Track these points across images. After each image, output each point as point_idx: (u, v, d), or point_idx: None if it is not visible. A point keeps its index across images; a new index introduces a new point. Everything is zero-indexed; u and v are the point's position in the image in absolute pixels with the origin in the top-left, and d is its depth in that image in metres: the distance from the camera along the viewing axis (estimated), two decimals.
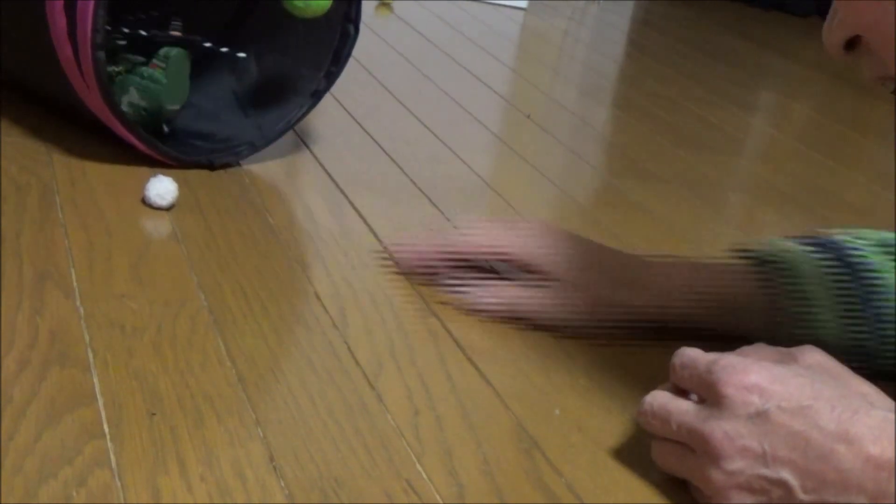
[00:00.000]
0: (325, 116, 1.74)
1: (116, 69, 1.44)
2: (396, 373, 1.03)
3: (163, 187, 1.27)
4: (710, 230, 1.61)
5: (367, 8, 2.64)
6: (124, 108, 1.42)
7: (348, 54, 1.49)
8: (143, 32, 1.43)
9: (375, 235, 1.33)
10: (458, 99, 2.00)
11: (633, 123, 2.12)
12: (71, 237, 1.16)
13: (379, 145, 1.67)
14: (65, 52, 1.29)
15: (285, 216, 1.33)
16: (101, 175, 1.33)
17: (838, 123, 2.57)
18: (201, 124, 1.52)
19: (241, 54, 1.47)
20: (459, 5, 2.93)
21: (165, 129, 1.46)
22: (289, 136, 1.61)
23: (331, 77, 1.50)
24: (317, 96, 1.50)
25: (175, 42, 1.45)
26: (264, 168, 1.48)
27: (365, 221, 1.37)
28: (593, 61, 2.63)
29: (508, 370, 1.08)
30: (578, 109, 2.14)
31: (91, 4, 1.25)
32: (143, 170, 1.36)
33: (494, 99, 2.08)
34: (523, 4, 3.07)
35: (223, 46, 1.47)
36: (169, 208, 1.28)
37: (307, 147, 1.60)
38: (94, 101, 1.32)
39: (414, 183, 1.54)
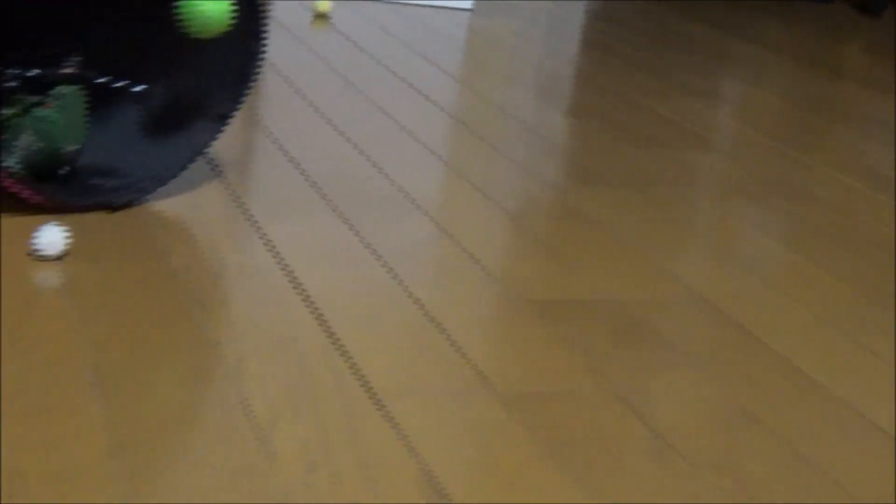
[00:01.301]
0: (242, 141, 1.69)
1: (9, 112, 1.38)
2: (293, 425, 0.97)
3: (51, 236, 1.22)
4: (656, 233, 1.56)
5: (303, 19, 2.59)
6: (19, 151, 1.37)
7: (256, 73, 1.44)
8: (31, 72, 1.38)
9: (285, 269, 1.28)
10: (394, 113, 1.95)
11: (585, 126, 2.07)
12: None
13: (299, 169, 1.62)
14: None
15: (189, 256, 1.28)
16: None
17: (804, 110, 2.53)
18: (103, 161, 1.46)
19: (138, 87, 1.42)
20: (400, 10, 2.88)
21: (63, 171, 1.40)
22: (199, 166, 1.56)
23: (238, 98, 1.44)
24: (223, 120, 1.45)
25: (68, 79, 1.39)
26: (171, 203, 1.42)
27: (276, 254, 1.31)
28: (546, 63, 2.58)
29: (421, 409, 1.02)
30: (529, 116, 2.09)
31: None
32: (33, 219, 1.31)
33: (434, 111, 2.03)
34: (468, 5, 3.02)
35: (123, 78, 1.42)
36: (60, 258, 1.23)
37: (219, 176, 1.55)
38: None
39: (335, 209, 1.48)
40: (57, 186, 1.38)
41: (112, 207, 1.37)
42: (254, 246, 1.33)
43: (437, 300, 1.26)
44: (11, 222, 1.30)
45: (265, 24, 1.43)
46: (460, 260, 1.38)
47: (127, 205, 1.39)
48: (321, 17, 2.67)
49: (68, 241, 1.23)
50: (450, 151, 1.80)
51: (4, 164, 1.37)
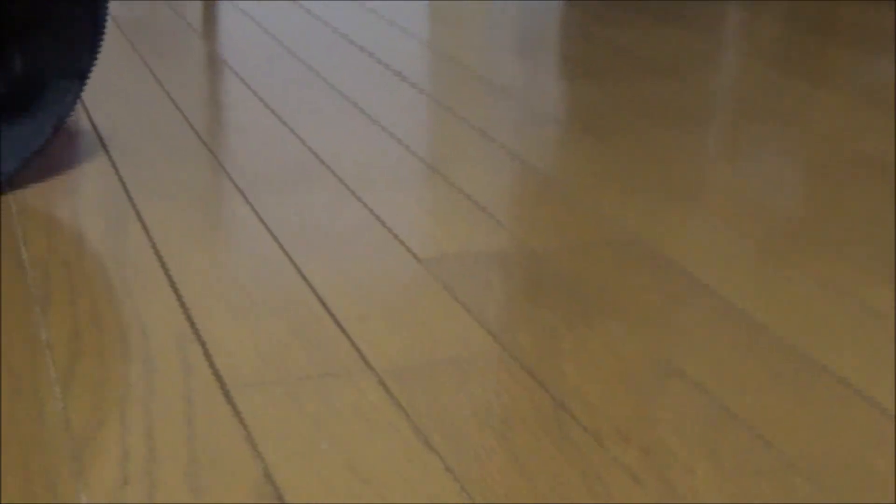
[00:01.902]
0: (140, 111, 1.54)
1: None
2: (118, 430, 0.83)
3: None
4: (599, 174, 1.40)
5: None
6: None
7: (105, 17, 1.30)
8: None
9: (156, 252, 1.13)
10: (326, 72, 1.79)
11: (582, 77, 1.91)
12: None
13: (204, 142, 1.47)
14: None
15: (45, 246, 1.14)
16: None
17: (808, 33, 2.34)
18: None
19: None
20: None
21: None
22: (87, 141, 1.42)
23: (94, 50, 1.31)
24: (83, 76, 1.31)
25: None
26: (43, 187, 1.28)
27: (149, 237, 1.17)
28: (526, 18, 2.41)
29: (274, 400, 0.88)
30: (509, 79, 1.93)
31: None
32: None
33: (398, 87, 1.88)
34: None
35: None
36: None
37: (107, 152, 1.41)
38: None
39: (233, 189, 1.34)
40: None
41: None
42: (128, 230, 1.19)
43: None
44: None
45: None
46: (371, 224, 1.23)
47: None
48: None
49: None
50: (424, 133, 1.65)
51: None
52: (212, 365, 0.92)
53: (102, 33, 1.31)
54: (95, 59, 1.32)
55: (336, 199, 1.30)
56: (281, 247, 1.16)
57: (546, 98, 1.72)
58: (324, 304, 1.03)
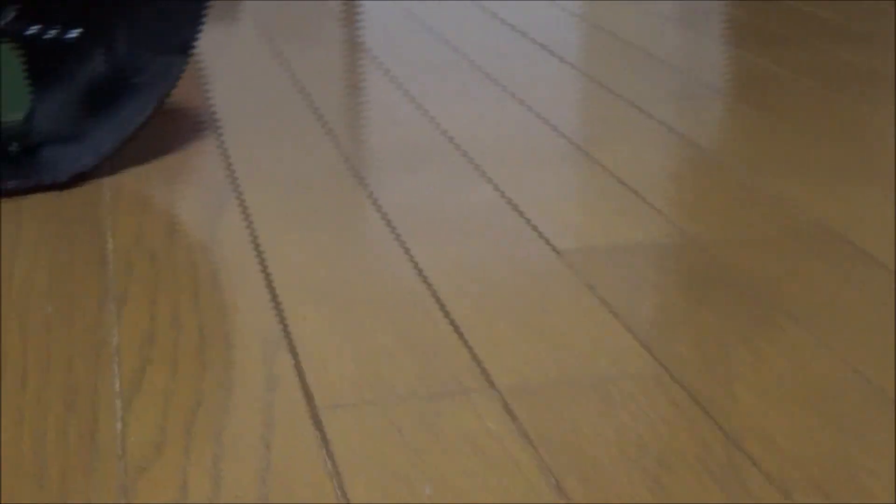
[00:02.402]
0: (261, 92, 1.39)
1: None
2: (179, 459, 0.67)
3: None
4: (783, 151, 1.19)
5: None
6: None
7: None
8: None
9: (254, 243, 0.98)
10: (467, 48, 1.61)
11: (754, 48, 1.71)
12: None
13: (327, 126, 1.31)
14: None
15: (133, 235, 0.99)
16: None
17: None
18: (52, 131, 1.19)
19: (73, 33, 1.13)
20: None
21: (13, 147, 1.13)
22: (197, 121, 1.27)
23: (198, 20, 1.16)
24: (187, 49, 1.16)
25: None
26: (141, 170, 1.14)
27: (248, 226, 1.01)
28: None
29: (370, 426, 0.71)
30: (671, 50, 1.73)
31: None
32: None
33: (547, 63, 1.69)
34: None
35: (54, 28, 1.14)
36: None
37: (217, 133, 1.26)
38: None
39: (353, 169, 1.17)
40: (3, 171, 1.11)
41: (59, 185, 1.10)
42: (224, 220, 1.03)
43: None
44: None
45: None
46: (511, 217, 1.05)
47: (81, 178, 1.11)
48: None
49: None
50: (573, 111, 1.47)
51: None
52: (301, 379, 0.76)
53: (206, 5, 1.17)
54: (199, 32, 1.17)
55: (464, 181, 1.12)
56: (397, 236, 0.99)
57: (712, 69, 1.51)
58: (441, 306, 0.86)
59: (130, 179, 1.12)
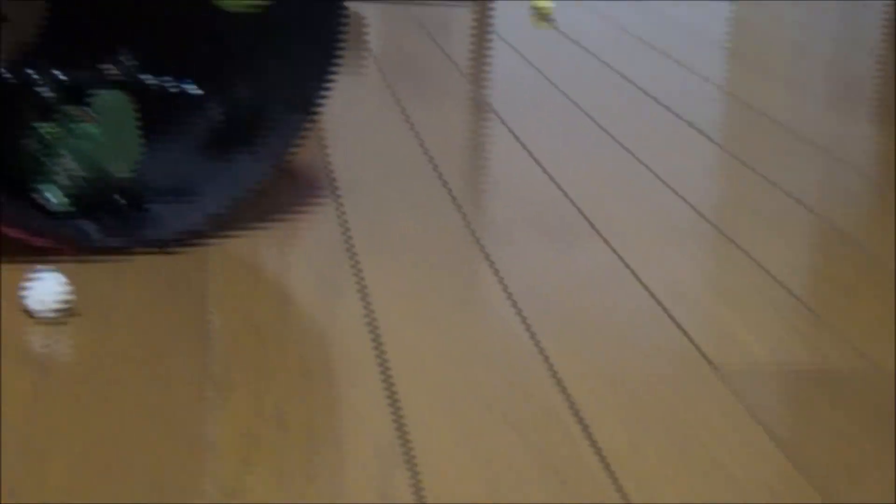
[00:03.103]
0: (384, 153, 1.31)
1: (48, 129, 1.05)
2: None
3: (43, 289, 0.87)
4: None
5: (521, 19, 2.20)
6: (61, 179, 1.04)
7: (341, 44, 1.08)
8: (62, 76, 1.04)
9: (371, 325, 0.88)
10: (635, 142, 1.50)
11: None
12: None
13: (449, 190, 1.22)
14: None
15: (239, 310, 0.90)
16: None
17: None
18: (161, 186, 1.12)
19: (194, 88, 1.06)
20: (640, 6, 2.44)
21: (120, 201, 1.06)
22: (315, 183, 1.19)
23: (326, 79, 1.08)
24: (311, 108, 1.08)
25: (111, 83, 1.05)
26: (253, 234, 1.05)
27: (365, 305, 0.92)
28: (840, 60, 2.06)
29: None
30: (821, 132, 1.61)
31: None
32: (66, 265, 0.97)
33: (691, 135, 1.59)
34: None
35: (177, 82, 1.06)
36: (57, 316, 0.87)
37: (336, 197, 1.17)
38: None
39: (479, 244, 1.08)
40: (106, 224, 1.04)
41: (163, 245, 1.02)
42: (340, 297, 0.94)
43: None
44: (23, 268, 0.95)
45: None
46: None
47: (188, 239, 1.03)
48: (542, 16, 2.27)
49: (63, 294, 0.87)
50: (716, 194, 1.36)
51: (42, 201, 1.04)
52: (419, 499, 0.66)
53: (336, 64, 1.09)
54: (326, 91, 1.09)
55: (602, 267, 1.02)
56: (527, 328, 0.89)
57: (863, 153, 1.39)
58: (580, 421, 0.75)
59: (241, 243, 1.04)
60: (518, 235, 1.09)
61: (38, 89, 1.03)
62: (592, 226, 1.13)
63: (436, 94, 1.65)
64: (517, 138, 1.42)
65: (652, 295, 0.97)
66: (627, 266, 1.03)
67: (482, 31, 2.18)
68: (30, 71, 1.03)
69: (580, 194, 1.22)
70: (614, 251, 1.06)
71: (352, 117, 1.48)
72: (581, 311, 0.93)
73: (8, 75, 1.04)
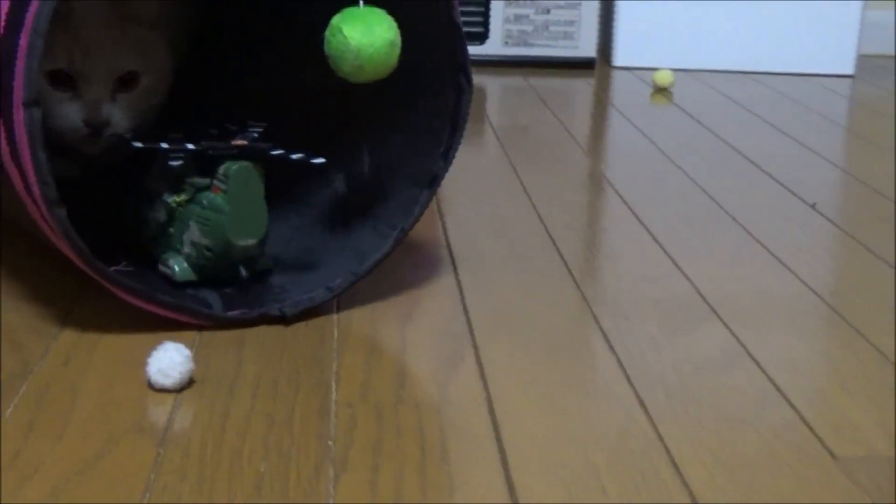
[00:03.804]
0: (502, 228, 1.31)
1: (176, 199, 1.08)
2: None
3: (167, 361, 0.88)
4: None
5: (639, 93, 2.19)
6: (186, 249, 1.06)
7: (465, 117, 1.08)
8: (191, 146, 1.06)
9: (489, 407, 0.88)
10: (753, 224, 1.47)
11: None
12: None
13: (566, 266, 1.21)
14: (31, 208, 0.96)
15: (360, 386, 0.91)
16: (114, 348, 0.96)
17: None
18: (285, 256, 1.13)
19: (318, 160, 1.07)
20: (759, 81, 2.42)
21: (243, 272, 1.07)
22: (434, 257, 1.19)
23: (449, 153, 1.08)
24: (434, 183, 1.09)
25: (238, 154, 1.07)
26: (373, 309, 1.06)
27: (484, 385, 0.92)
28: None
29: None
30: None
31: (26, 150, 0.90)
32: (187, 335, 0.99)
33: (812, 219, 1.56)
34: (849, 70, 2.51)
35: (301, 152, 1.08)
36: (179, 388, 0.89)
37: (455, 272, 1.17)
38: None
39: (599, 326, 1.07)
40: (229, 295, 1.05)
41: (285, 319, 1.03)
42: (459, 377, 0.94)
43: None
44: (147, 340, 0.96)
45: (465, 52, 1.07)
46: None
47: (307, 314, 1.04)
48: (661, 90, 2.26)
49: (186, 365, 0.89)
50: (834, 275, 1.34)
51: (167, 271, 1.06)
52: None
53: (460, 138, 1.09)
54: (448, 166, 1.10)
55: (719, 348, 1.00)
56: (644, 409, 0.88)
57: None
58: None
59: (361, 318, 1.05)
60: (635, 313, 1.08)
61: (170, 161, 1.05)
62: (709, 305, 1.11)
63: (553, 165, 1.65)
64: (634, 213, 1.41)
65: (769, 378, 0.95)
66: (744, 347, 1.01)
67: (601, 102, 2.18)
68: (163, 144, 1.05)
69: (696, 272, 1.20)
70: (731, 332, 1.05)
71: (469, 189, 1.49)
72: (698, 393, 0.92)
73: (139, 145, 1.07)
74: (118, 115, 1.11)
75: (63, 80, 1.08)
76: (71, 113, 1.09)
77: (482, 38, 2.38)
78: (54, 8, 0.91)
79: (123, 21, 1.11)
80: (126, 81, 1.11)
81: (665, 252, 1.27)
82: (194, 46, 1.31)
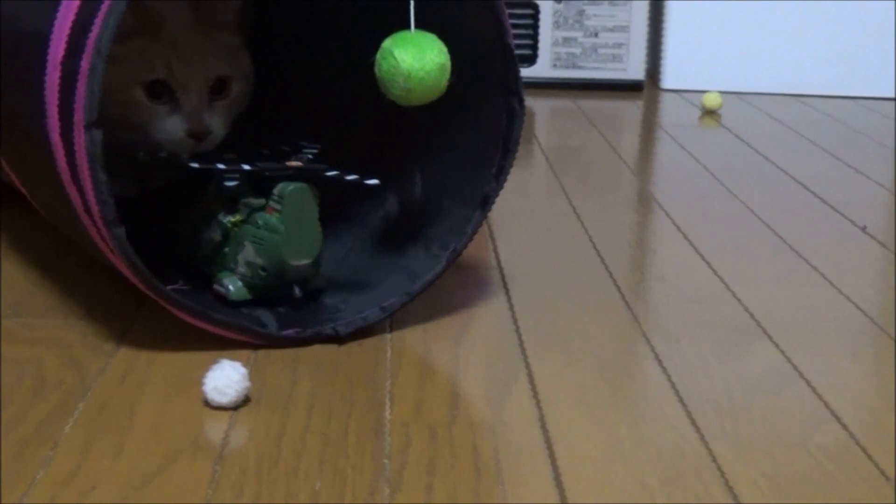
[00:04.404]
0: (552, 249, 1.31)
1: (231, 219, 1.08)
2: None
3: (223, 379, 0.89)
4: None
5: (687, 115, 2.19)
6: (241, 269, 1.06)
7: (517, 139, 1.08)
8: (247, 166, 1.07)
9: (542, 428, 0.87)
10: (808, 250, 1.46)
11: None
12: (55, 461, 0.79)
13: (617, 287, 1.21)
14: (90, 227, 0.97)
15: (413, 404, 0.91)
16: (170, 365, 0.97)
17: None
18: (338, 276, 1.13)
19: (372, 181, 1.07)
20: (811, 104, 2.40)
21: (297, 291, 1.07)
22: (485, 278, 1.19)
23: (501, 174, 1.08)
24: (487, 204, 1.09)
25: (293, 175, 1.07)
26: (426, 329, 1.06)
27: (537, 405, 0.91)
28: None
29: None
30: None
31: (86, 171, 0.91)
32: (242, 354, 0.99)
33: (867, 246, 1.55)
34: (891, 93, 2.48)
35: (356, 173, 1.08)
36: (235, 406, 0.89)
37: (507, 293, 1.17)
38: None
39: (651, 346, 1.06)
40: (284, 316, 1.06)
41: (339, 338, 1.03)
42: (511, 397, 0.94)
43: None
44: (203, 358, 0.97)
45: (517, 74, 1.07)
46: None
47: (360, 333, 1.04)
48: (710, 112, 2.25)
49: (242, 384, 0.89)
50: (886, 297, 1.33)
51: (222, 290, 1.07)
52: None
53: (512, 160, 1.09)
54: (502, 186, 1.09)
55: (771, 370, 0.99)
56: (697, 429, 0.87)
57: None
58: None
59: (414, 338, 1.05)
60: (685, 334, 1.08)
61: (225, 181, 1.06)
62: (760, 326, 1.10)
63: (602, 187, 1.65)
64: (683, 234, 1.40)
65: (821, 399, 0.94)
66: (795, 369, 1.00)
67: (649, 124, 2.17)
68: (220, 164, 1.06)
69: (747, 293, 1.19)
70: (782, 353, 1.04)
71: (520, 210, 1.49)
72: (750, 414, 0.91)
73: (196, 165, 1.07)
74: (217, 123, 1.11)
75: (160, 91, 1.08)
76: (173, 126, 1.09)
77: (531, 60, 2.38)
78: (142, 18, 0.92)
79: (207, 26, 1.10)
80: (218, 89, 1.11)
81: (715, 273, 1.26)
82: None
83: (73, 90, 0.93)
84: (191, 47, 1.08)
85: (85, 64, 0.92)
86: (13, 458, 0.80)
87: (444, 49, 1.03)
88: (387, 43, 1.03)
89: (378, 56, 1.03)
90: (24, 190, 1.15)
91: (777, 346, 1.06)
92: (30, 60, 1.00)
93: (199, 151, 1.12)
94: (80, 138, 0.92)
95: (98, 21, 0.92)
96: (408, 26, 1.03)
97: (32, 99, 0.99)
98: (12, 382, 0.92)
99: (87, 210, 0.95)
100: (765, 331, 1.09)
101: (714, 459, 0.83)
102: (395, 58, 1.02)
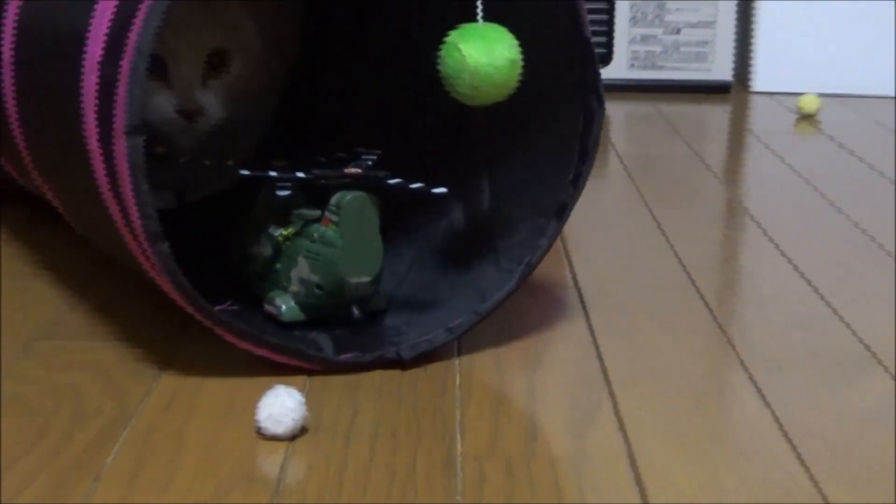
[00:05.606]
0: (635, 266, 1.31)
1: (283, 233, 1.10)
2: None
3: (279, 407, 0.90)
4: None
5: (782, 121, 2.18)
6: (294, 287, 1.08)
7: (596, 142, 1.08)
8: (301, 174, 1.08)
9: (631, 462, 0.88)
10: (875, 233, 1.47)
11: None
12: (98, 494, 0.80)
13: (708, 308, 1.21)
14: (130, 243, 0.99)
15: (487, 436, 0.91)
16: (219, 392, 0.98)
17: None
18: (400, 294, 1.14)
19: (440, 190, 1.08)
20: None
21: (356, 312, 1.08)
22: (562, 297, 1.20)
23: (579, 180, 1.09)
24: (563, 213, 1.09)
25: (351, 183, 1.08)
26: (499, 352, 1.07)
27: (623, 437, 0.91)
28: None
29: None
30: None
31: (127, 181, 0.93)
32: (297, 379, 1.00)
33: None
34: None
35: (419, 181, 1.09)
36: (292, 437, 0.90)
37: (586, 314, 1.17)
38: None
39: (748, 373, 1.06)
40: (342, 339, 1.07)
41: (402, 363, 1.04)
42: (594, 430, 0.94)
43: None
44: (256, 385, 0.98)
45: (596, 73, 1.08)
46: None
47: (425, 357, 1.05)
48: (807, 117, 2.24)
49: (298, 412, 0.90)
50: None
51: (273, 310, 1.08)
52: None
53: (591, 165, 1.10)
54: (579, 193, 1.10)
55: (883, 402, 0.99)
56: (803, 466, 0.87)
57: None
58: None
59: (485, 363, 1.05)
60: (788, 362, 1.07)
61: (277, 191, 1.07)
62: (871, 353, 1.10)
63: (688, 199, 1.65)
64: (780, 251, 1.40)
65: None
66: None
67: (738, 130, 2.17)
68: (271, 172, 1.07)
69: (855, 317, 1.19)
70: None
71: (597, 224, 1.49)
72: (864, 450, 0.91)
73: (246, 173, 1.08)
74: (212, 102, 1.12)
75: (152, 65, 1.10)
76: (162, 103, 1.11)
77: (606, 59, 2.38)
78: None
79: None
80: (216, 64, 1.12)
81: (818, 294, 1.25)
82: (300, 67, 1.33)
83: (113, 94, 0.94)
84: (183, 16, 1.09)
85: (126, 66, 0.93)
86: (52, 491, 0.81)
87: (515, 43, 1.04)
88: (452, 36, 1.04)
89: (442, 51, 1.04)
90: (55, 202, 1.17)
91: (892, 375, 1.05)
92: (64, 62, 1.01)
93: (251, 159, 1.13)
94: (121, 145, 0.93)
95: (139, 20, 0.93)
96: (475, 18, 1.04)
97: (67, 103, 1.01)
98: (49, 410, 0.93)
99: (128, 224, 0.96)
100: (877, 358, 1.09)
101: (826, 500, 0.83)
102: (461, 53, 1.02)
